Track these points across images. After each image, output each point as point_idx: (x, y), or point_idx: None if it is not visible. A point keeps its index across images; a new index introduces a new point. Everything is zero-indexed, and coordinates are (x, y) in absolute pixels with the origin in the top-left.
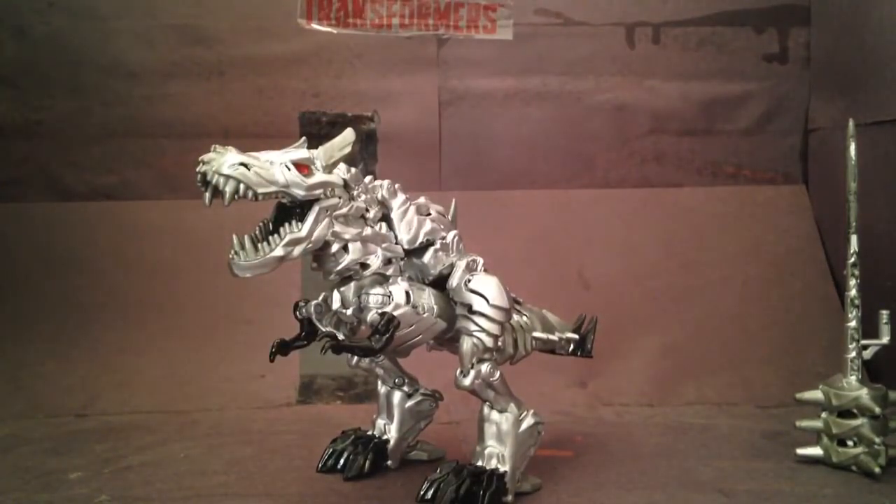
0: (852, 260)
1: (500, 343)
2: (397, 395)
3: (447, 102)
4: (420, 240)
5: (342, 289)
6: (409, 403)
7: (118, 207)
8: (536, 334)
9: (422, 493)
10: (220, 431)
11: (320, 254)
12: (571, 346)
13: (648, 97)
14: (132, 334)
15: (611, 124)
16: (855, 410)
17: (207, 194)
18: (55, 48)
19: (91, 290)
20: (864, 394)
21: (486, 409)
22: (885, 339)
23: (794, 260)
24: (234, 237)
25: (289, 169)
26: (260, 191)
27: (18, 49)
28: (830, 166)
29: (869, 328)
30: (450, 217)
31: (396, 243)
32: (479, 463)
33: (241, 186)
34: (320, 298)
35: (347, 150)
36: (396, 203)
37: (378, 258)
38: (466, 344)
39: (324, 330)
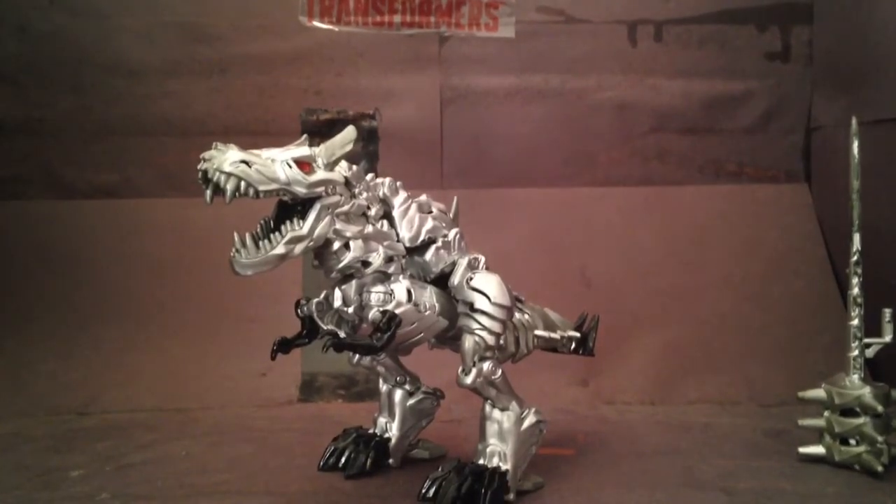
0: (855, 258)
1: (501, 341)
2: (399, 394)
3: (449, 100)
4: (422, 238)
5: (344, 287)
6: (411, 402)
7: (119, 205)
8: (538, 332)
9: (423, 491)
10: (221, 429)
11: (322, 252)
12: (573, 345)
13: (650, 95)
14: (133, 332)
15: (613, 122)
16: (857, 409)
17: (209, 192)
18: (56, 46)
19: (92, 289)
20: (866, 392)
21: (487, 408)
22: (888, 338)
23: (797, 258)
24: (236, 235)
25: (290, 166)
26: (261, 188)
27: (19, 47)
28: (833, 164)
29: (871, 327)
30: (451, 215)
31: (398, 241)
32: (481, 461)
33: (243, 184)
34: (322, 296)
35: (349, 147)
36: (398, 201)
37: (379, 256)
38: (468, 342)
39: (325, 328)
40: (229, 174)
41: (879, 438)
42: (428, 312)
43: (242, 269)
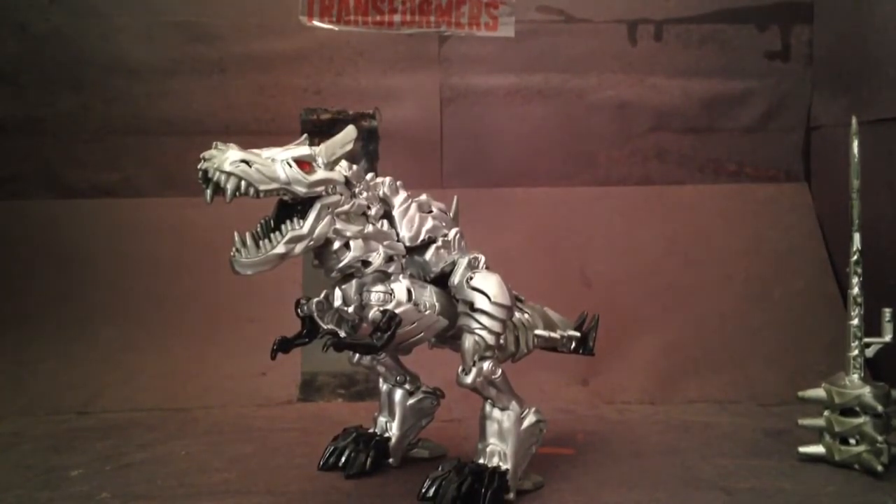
0: (855, 258)
1: (501, 341)
2: (399, 393)
3: (449, 100)
4: (422, 237)
5: (344, 286)
6: (411, 401)
7: (119, 205)
8: (538, 332)
9: (423, 490)
10: (221, 429)
11: (322, 251)
12: (573, 344)
13: (650, 94)
14: (133, 332)
15: (613, 122)
16: (857, 409)
17: (209, 191)
18: (56, 45)
19: (92, 288)
20: (866, 392)
21: (487, 407)
22: (888, 338)
23: (797, 258)
24: (236, 234)
25: (290, 166)
26: (261, 188)
27: (20, 46)
28: (833, 164)
29: (871, 326)
30: (451, 214)
31: (398, 241)
32: (481, 461)
33: (243, 183)
34: (322, 296)
35: (349, 147)
36: (398, 200)
37: (380, 255)
38: (468, 341)
39: (325, 327)
40: (229, 173)
41: (879, 438)
42: (428, 312)
43: (242, 268)
